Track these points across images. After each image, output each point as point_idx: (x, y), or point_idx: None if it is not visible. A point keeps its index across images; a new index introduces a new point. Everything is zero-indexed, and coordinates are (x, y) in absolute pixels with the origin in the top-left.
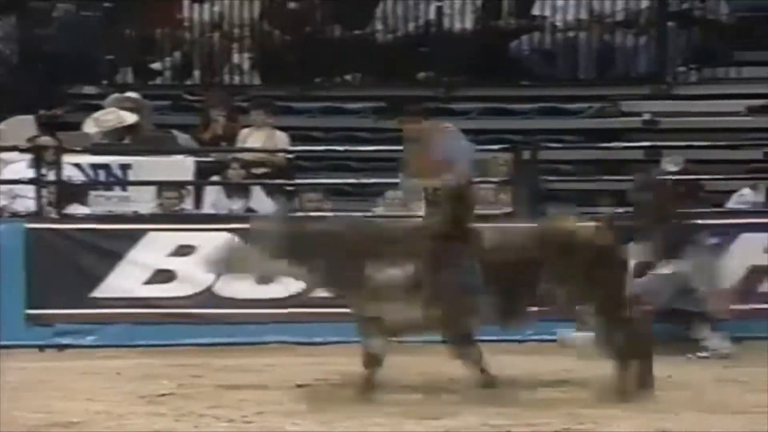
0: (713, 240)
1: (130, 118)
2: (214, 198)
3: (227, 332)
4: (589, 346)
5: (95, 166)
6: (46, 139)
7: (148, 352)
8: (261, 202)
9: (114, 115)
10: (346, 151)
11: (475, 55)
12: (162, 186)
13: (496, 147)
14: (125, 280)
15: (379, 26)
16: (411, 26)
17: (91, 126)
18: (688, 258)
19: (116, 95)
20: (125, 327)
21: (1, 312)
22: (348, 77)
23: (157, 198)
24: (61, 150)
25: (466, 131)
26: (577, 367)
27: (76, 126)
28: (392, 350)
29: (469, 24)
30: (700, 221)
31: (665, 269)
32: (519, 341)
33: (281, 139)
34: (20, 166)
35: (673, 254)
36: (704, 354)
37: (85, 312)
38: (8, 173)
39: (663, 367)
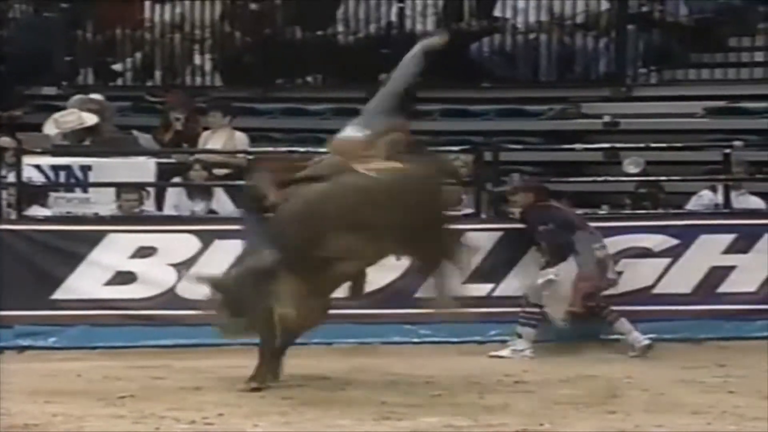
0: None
1: (91, 119)
2: (175, 199)
3: (188, 334)
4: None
5: (56, 168)
6: (5, 140)
7: (108, 353)
8: (222, 203)
9: (74, 116)
10: (307, 152)
11: (435, 57)
12: (122, 187)
13: (457, 148)
14: (86, 281)
15: (340, 27)
16: (372, 27)
17: (51, 127)
18: (572, 260)
19: (79, 96)
20: (85, 329)
21: None
22: (309, 78)
23: (118, 199)
24: (20, 151)
25: (427, 133)
26: (535, 367)
27: (36, 127)
28: (354, 352)
29: (430, 25)
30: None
31: (551, 273)
32: (479, 342)
33: (241, 140)
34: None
35: (558, 257)
36: (634, 353)
37: (45, 314)
38: None
39: (621, 369)
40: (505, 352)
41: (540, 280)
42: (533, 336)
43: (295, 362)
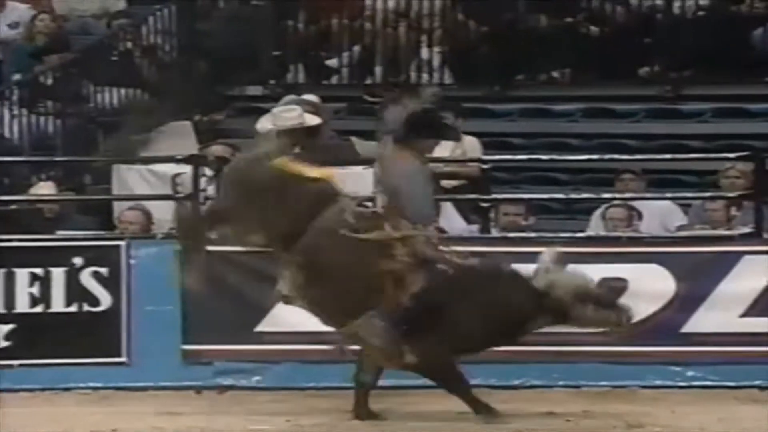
0: None
1: (313, 120)
2: None
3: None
4: None
5: None
6: (218, 149)
7: (320, 395)
8: (451, 219)
9: (296, 113)
10: (551, 160)
11: (708, 47)
12: None
13: (732, 155)
14: (295, 311)
15: (592, 13)
16: (631, 13)
17: (267, 122)
18: None
19: (291, 97)
20: (295, 366)
21: (154, 349)
22: (555, 74)
23: None
24: (223, 161)
25: (697, 136)
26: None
27: (238, 133)
28: (607, 397)
29: (702, 9)
30: None
31: None
32: (761, 388)
33: (473, 147)
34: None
35: None
36: None
37: (249, 348)
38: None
39: None
40: None
41: None
42: None
43: (536, 406)
